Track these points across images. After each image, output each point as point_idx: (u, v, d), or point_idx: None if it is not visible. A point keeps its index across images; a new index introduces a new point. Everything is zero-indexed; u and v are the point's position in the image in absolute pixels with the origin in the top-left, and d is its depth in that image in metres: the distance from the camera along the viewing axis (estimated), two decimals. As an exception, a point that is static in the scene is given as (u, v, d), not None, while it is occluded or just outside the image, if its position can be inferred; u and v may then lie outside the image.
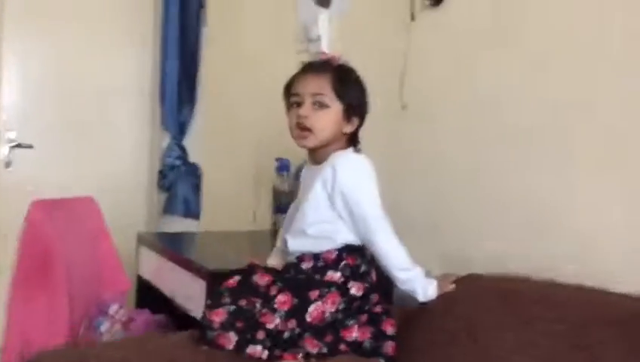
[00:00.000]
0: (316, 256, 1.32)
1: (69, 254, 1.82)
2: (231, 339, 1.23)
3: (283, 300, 1.28)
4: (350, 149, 1.36)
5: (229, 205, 2.86)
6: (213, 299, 1.31)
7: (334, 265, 1.30)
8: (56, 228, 1.81)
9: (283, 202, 2.16)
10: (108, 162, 3.41)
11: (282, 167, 2.17)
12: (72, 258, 1.84)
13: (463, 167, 1.63)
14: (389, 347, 1.30)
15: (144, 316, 1.86)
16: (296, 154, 2.19)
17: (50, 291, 1.75)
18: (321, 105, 1.32)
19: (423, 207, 1.72)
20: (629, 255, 1.20)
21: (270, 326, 1.25)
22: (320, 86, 1.33)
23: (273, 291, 1.30)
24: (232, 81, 2.95)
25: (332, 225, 1.32)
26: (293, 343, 1.25)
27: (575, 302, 1.10)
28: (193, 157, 3.36)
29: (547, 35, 1.42)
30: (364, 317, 1.31)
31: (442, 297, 1.30)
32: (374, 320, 1.31)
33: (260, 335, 1.24)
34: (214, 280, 1.53)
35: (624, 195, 1.24)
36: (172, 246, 1.92)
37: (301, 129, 1.33)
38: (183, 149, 3.39)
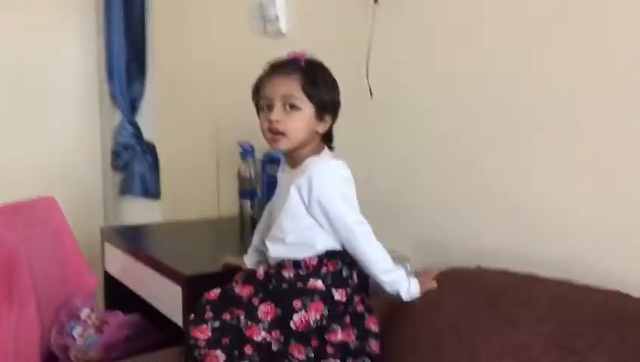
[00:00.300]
0: (297, 264, 1.30)
1: (33, 259, 1.76)
2: (219, 357, 1.22)
3: (266, 310, 1.27)
4: (325, 153, 1.34)
5: (190, 188, 2.81)
6: (196, 313, 1.29)
7: (316, 272, 1.29)
8: (17, 233, 1.75)
9: (248, 188, 2.14)
10: (56, 141, 3.30)
11: (246, 152, 2.13)
12: (36, 262, 1.79)
13: (434, 151, 1.62)
14: (373, 345, 1.30)
15: (117, 318, 1.83)
16: (259, 138, 2.16)
17: (16, 299, 1.70)
18: (292, 108, 1.29)
19: (394, 193, 1.72)
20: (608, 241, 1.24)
21: (257, 338, 1.24)
22: (289, 88, 1.29)
23: (255, 302, 1.28)
24: (185, 58, 2.85)
25: (311, 232, 1.29)
26: (282, 356, 1.24)
27: (560, 300, 1.11)
28: (147, 135, 3.28)
29: (512, 15, 1.40)
30: (347, 319, 1.30)
31: (426, 295, 1.30)
32: (357, 320, 1.31)
33: (248, 350, 1.23)
34: (191, 286, 1.51)
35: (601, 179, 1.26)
36: (139, 244, 1.87)
37: (273, 133, 1.29)
38: (136, 127, 3.31)
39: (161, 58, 3.05)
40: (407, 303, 1.31)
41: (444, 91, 1.58)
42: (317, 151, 1.33)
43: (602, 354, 0.99)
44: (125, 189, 3.34)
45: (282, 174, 1.41)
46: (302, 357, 1.25)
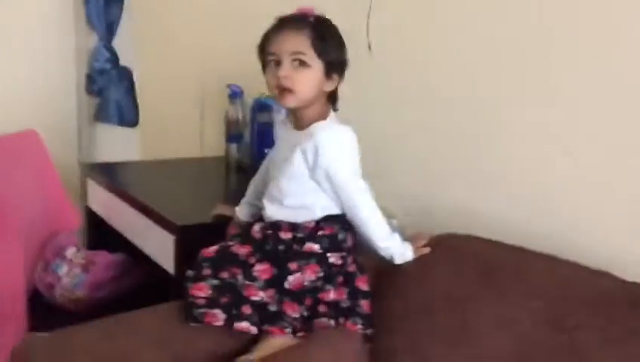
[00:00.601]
0: (294, 226, 1.32)
1: (15, 195, 1.74)
2: (218, 316, 1.24)
3: (262, 269, 1.30)
4: (331, 117, 1.33)
5: (171, 121, 2.76)
6: (194, 270, 1.31)
7: (313, 235, 1.31)
8: (-1, 170, 1.71)
9: (235, 131, 2.12)
10: (30, 67, 3.17)
11: (234, 94, 2.10)
12: (18, 198, 1.76)
13: (428, 112, 1.63)
14: (364, 305, 1.34)
15: (103, 257, 1.84)
16: (248, 81, 2.13)
17: (1, 236, 1.68)
18: (301, 64, 1.26)
19: (385, 151, 1.73)
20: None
21: (255, 298, 1.27)
22: (299, 44, 1.26)
23: (252, 261, 1.30)
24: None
25: (312, 197, 1.31)
26: (279, 316, 1.27)
27: (550, 276, 1.16)
28: (124, 61, 3.18)
29: None
30: (339, 278, 1.34)
31: (418, 260, 1.34)
32: (349, 280, 1.34)
33: (247, 309, 1.26)
34: (184, 235, 1.53)
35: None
36: (125, 184, 1.86)
37: (281, 90, 1.27)
38: (112, 52, 3.20)
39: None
40: (399, 265, 1.35)
41: (441, 50, 1.58)
42: (323, 113, 1.32)
43: (591, 334, 1.05)
44: (100, 116, 3.26)
45: (284, 132, 1.39)
46: (296, 314, 1.29)
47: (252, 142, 1.98)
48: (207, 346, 1.24)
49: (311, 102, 1.30)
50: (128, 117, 3.19)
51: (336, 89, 1.35)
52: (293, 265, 1.29)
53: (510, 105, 1.45)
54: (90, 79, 3.25)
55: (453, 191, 1.59)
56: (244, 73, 2.15)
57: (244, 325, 1.25)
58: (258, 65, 1.97)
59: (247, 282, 1.28)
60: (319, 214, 1.31)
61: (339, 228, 1.33)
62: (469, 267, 1.27)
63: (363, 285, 1.36)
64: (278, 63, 1.27)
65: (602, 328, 1.05)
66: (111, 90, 3.20)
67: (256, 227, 1.36)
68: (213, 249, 1.33)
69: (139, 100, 3.04)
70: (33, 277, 1.79)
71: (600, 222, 1.29)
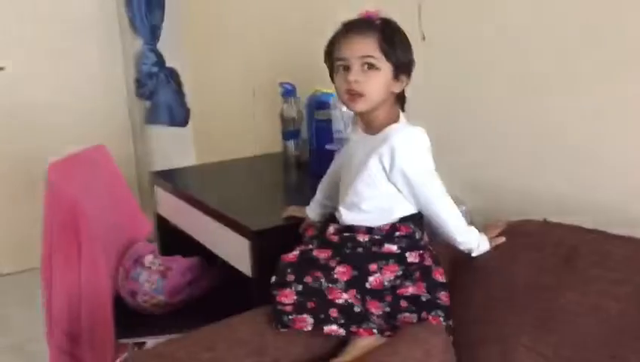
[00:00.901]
0: (370, 229, 1.34)
1: (95, 208, 1.81)
2: (307, 321, 1.28)
3: (342, 271, 1.33)
4: (402, 119, 1.34)
5: (222, 120, 2.81)
6: (278, 276, 1.35)
7: (390, 236, 1.33)
8: (76, 185, 1.78)
9: (291, 128, 2.16)
10: (78, 76, 3.27)
11: (287, 92, 2.13)
12: (98, 211, 1.83)
13: (490, 93, 1.63)
14: (443, 296, 1.36)
15: (179, 262, 1.90)
16: (300, 77, 2.15)
17: (85, 250, 1.75)
18: (371, 67, 1.28)
19: (450, 135, 1.73)
20: None
21: (340, 301, 1.30)
22: (368, 48, 1.27)
23: (332, 264, 1.34)
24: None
25: (389, 200, 1.33)
26: (365, 317, 1.30)
27: (633, 260, 1.17)
28: (170, 62, 3.24)
29: None
30: (417, 273, 1.37)
31: (497, 248, 1.36)
32: (426, 273, 1.36)
33: (333, 313, 1.29)
34: (259, 240, 1.57)
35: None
36: (194, 191, 1.91)
37: (352, 94, 1.29)
38: (158, 54, 3.26)
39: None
40: (476, 257, 1.37)
41: (502, 32, 1.58)
42: (393, 115, 1.34)
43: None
44: (152, 118, 3.34)
45: (356, 137, 1.40)
46: (379, 312, 1.32)
47: (310, 138, 2.01)
48: (300, 351, 1.28)
49: (380, 104, 1.32)
50: (179, 117, 3.27)
51: (403, 90, 1.37)
52: (372, 266, 1.32)
53: (578, 83, 1.44)
54: (139, 83, 3.32)
55: (519, 175, 1.60)
56: (295, 70, 2.19)
57: (332, 328, 1.28)
58: (309, 62, 2.01)
59: (330, 285, 1.31)
60: (397, 216, 1.34)
61: (415, 228, 1.36)
62: (549, 253, 1.28)
63: (440, 277, 1.38)
64: (347, 68, 1.29)
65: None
66: (160, 93, 3.27)
67: (331, 229, 1.40)
68: (293, 254, 1.37)
69: (189, 101, 3.09)
70: (115, 284, 1.87)
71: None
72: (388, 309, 1.33)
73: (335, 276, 1.32)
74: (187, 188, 1.93)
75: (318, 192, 1.59)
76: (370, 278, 1.32)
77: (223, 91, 2.78)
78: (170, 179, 2.09)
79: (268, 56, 2.46)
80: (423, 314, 1.33)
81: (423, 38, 1.70)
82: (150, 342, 1.90)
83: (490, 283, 1.34)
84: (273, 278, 1.35)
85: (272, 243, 1.56)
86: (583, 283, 1.20)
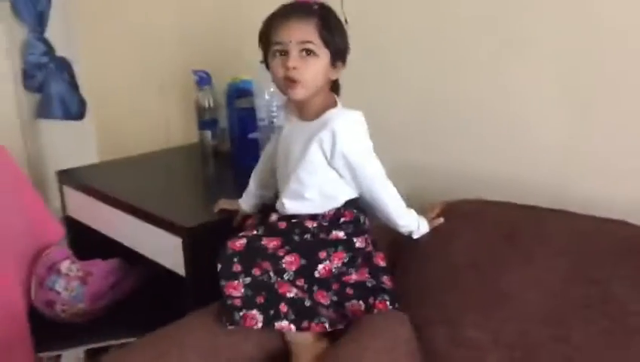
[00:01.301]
0: (314, 216, 1.32)
1: (-1, 216, 1.66)
2: (257, 318, 1.24)
3: (290, 260, 1.30)
4: (340, 105, 1.32)
5: (126, 112, 2.67)
6: (223, 265, 1.28)
7: (336, 222, 1.32)
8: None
9: (208, 117, 2.09)
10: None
11: (202, 80, 2.06)
12: (2, 218, 1.69)
13: (412, 76, 1.66)
14: (387, 281, 1.37)
15: (99, 266, 1.79)
16: (213, 64, 2.08)
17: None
18: (309, 53, 1.25)
19: (377, 117, 1.73)
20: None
21: (290, 294, 1.27)
22: (307, 34, 1.24)
23: (281, 253, 1.30)
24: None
25: (332, 185, 1.31)
26: (315, 311, 1.28)
27: (570, 233, 1.22)
28: (61, 51, 3.03)
29: None
30: (359, 259, 1.36)
31: (437, 229, 1.38)
32: (368, 259, 1.37)
33: (283, 308, 1.26)
34: (191, 237, 1.51)
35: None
36: (111, 189, 1.79)
37: (290, 81, 1.26)
38: (47, 44, 3.04)
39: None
40: (417, 239, 1.39)
41: (421, 15, 1.60)
42: (330, 101, 1.32)
43: (622, 283, 1.12)
44: (43, 112, 3.11)
45: (290, 125, 1.37)
46: (327, 302, 1.31)
47: (232, 127, 1.95)
48: (253, 349, 1.24)
49: (318, 91, 1.29)
50: (73, 110, 3.06)
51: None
52: (322, 254, 1.30)
53: (500, 65, 1.49)
54: (27, 74, 3.08)
55: (448, 156, 1.63)
56: (208, 58, 2.11)
57: (283, 324, 1.25)
58: (223, 49, 1.95)
59: (278, 278, 1.28)
60: (342, 201, 1.32)
61: (358, 212, 1.35)
62: (489, 232, 1.32)
63: (381, 262, 1.39)
64: (284, 53, 1.25)
65: (632, 276, 1.11)
66: (51, 84, 3.05)
67: (274, 217, 1.36)
68: (241, 243, 1.29)
69: (85, 93, 2.91)
70: (28, 296, 1.73)
71: (600, 171, 1.37)
72: (335, 298, 1.32)
73: (283, 266, 1.29)
74: (104, 187, 1.82)
75: (251, 183, 1.54)
76: (320, 266, 1.30)
77: (126, 81, 2.64)
78: (81, 177, 1.96)
79: (176, 43, 2.36)
80: (370, 300, 1.33)
81: (346, 22, 1.68)
82: (68, 354, 1.79)
83: (432, 264, 1.35)
84: (219, 267, 1.29)
85: (205, 240, 1.50)
86: (524, 259, 1.24)
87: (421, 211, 1.42)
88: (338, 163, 1.28)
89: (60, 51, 3.00)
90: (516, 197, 1.38)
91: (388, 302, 1.33)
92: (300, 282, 1.30)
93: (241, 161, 1.89)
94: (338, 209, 1.33)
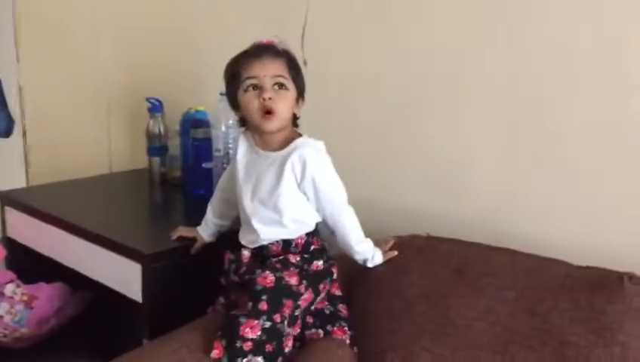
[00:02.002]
0: (287, 243, 1.38)
1: None
2: None
3: (307, 297, 1.35)
4: (305, 135, 1.41)
5: (65, 135, 2.64)
6: (253, 301, 1.28)
7: (312, 251, 1.40)
8: None
9: (157, 144, 2.12)
10: None
11: (154, 107, 2.09)
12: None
13: (361, 117, 1.77)
14: (342, 309, 1.45)
15: (44, 290, 1.77)
16: (167, 94, 2.12)
17: None
18: (281, 87, 1.34)
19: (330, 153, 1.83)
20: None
21: (297, 330, 1.34)
22: (279, 69, 1.35)
23: (302, 289, 1.34)
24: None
25: (303, 209, 1.38)
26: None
27: (515, 268, 1.34)
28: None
29: None
30: (320, 287, 1.43)
31: (390, 262, 1.47)
32: (315, 281, 1.40)
33: (288, 345, 1.30)
34: (150, 264, 1.53)
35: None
36: (63, 213, 1.78)
37: (266, 112, 1.33)
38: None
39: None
40: (371, 270, 1.48)
41: (375, 62, 1.72)
42: (294, 133, 1.41)
43: (560, 316, 1.24)
44: (-32, 128, 3.00)
45: (255, 156, 1.42)
46: (295, 332, 1.36)
47: (185, 156, 1.98)
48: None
49: (286, 125, 1.38)
50: (1, 126, 2.98)
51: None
52: (321, 286, 1.39)
53: (447, 112, 1.64)
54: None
55: (397, 194, 1.74)
56: (156, 86, 2.15)
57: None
58: (178, 80, 2.01)
59: (288, 330, 1.31)
60: (312, 225, 1.40)
61: (320, 239, 1.43)
62: (440, 265, 1.43)
63: (337, 291, 1.47)
64: (258, 87, 1.33)
65: (570, 309, 1.24)
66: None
67: (246, 253, 1.41)
68: (271, 280, 1.31)
69: (26, 113, 2.84)
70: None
71: (535, 213, 1.52)
72: (299, 329, 1.38)
73: (300, 303, 1.33)
74: (53, 209, 1.79)
75: (208, 212, 1.58)
76: (318, 298, 1.38)
77: (67, 103, 2.61)
78: (26, 199, 1.92)
79: (124, 70, 2.37)
80: (328, 327, 1.40)
81: (305, 63, 1.78)
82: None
83: (387, 294, 1.44)
84: (249, 303, 1.28)
85: (164, 267, 1.54)
86: (474, 291, 1.35)
87: (375, 244, 1.51)
88: (307, 186, 1.36)
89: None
90: (459, 235, 1.50)
91: (346, 328, 1.41)
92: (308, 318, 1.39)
93: (193, 190, 1.93)
94: (308, 235, 1.40)
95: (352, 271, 1.50)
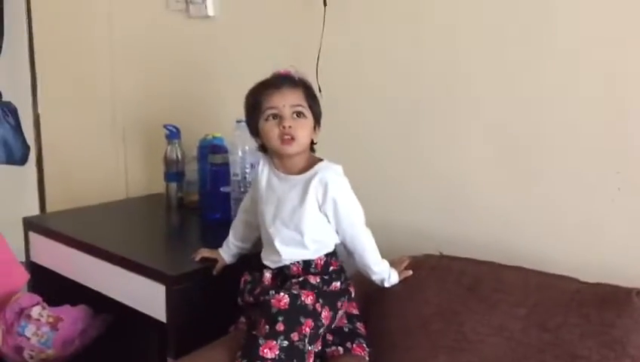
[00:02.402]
0: (307, 264, 1.44)
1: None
2: None
3: (326, 315, 1.41)
4: (325, 159, 1.48)
5: (81, 162, 2.71)
6: (269, 324, 1.33)
7: (335, 272, 1.46)
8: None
9: (174, 170, 2.18)
10: None
11: (172, 134, 2.16)
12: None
13: (375, 142, 1.84)
14: (360, 327, 1.51)
15: (69, 312, 1.82)
16: (183, 120, 2.19)
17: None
18: (299, 115, 1.42)
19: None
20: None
21: (319, 347, 1.39)
22: (297, 98, 1.43)
23: (318, 308, 1.39)
24: (74, 32, 2.68)
25: (324, 230, 1.45)
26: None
27: (526, 285, 1.40)
28: (8, 96, 3.04)
29: (453, 13, 1.67)
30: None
31: (405, 282, 1.53)
32: (332, 300, 1.45)
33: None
34: (175, 285, 1.59)
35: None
36: (87, 238, 1.84)
37: (286, 139, 1.40)
38: (-8, 88, 3.03)
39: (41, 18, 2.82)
40: (387, 289, 1.53)
41: (384, 92, 1.80)
42: (313, 157, 1.48)
43: (571, 330, 1.30)
44: (-15, 156, 3.08)
45: (276, 181, 1.48)
46: (319, 348, 1.42)
47: (203, 181, 2.04)
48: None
49: (305, 149, 1.45)
50: (17, 155, 3.05)
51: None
52: (339, 304, 1.44)
53: (446, 136, 1.72)
54: (-30, 118, 3.05)
55: (408, 215, 1.81)
56: (172, 113, 2.22)
57: None
58: (193, 109, 2.08)
59: (310, 347, 1.36)
60: (331, 247, 1.47)
61: (338, 260, 1.49)
62: (453, 283, 1.49)
63: (354, 309, 1.53)
64: (277, 116, 1.41)
65: (580, 324, 1.30)
66: (-6, 128, 3.04)
67: (268, 274, 1.46)
68: (285, 301, 1.35)
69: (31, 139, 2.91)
70: (-2, 342, 1.73)
71: (541, 232, 1.58)
72: (320, 347, 1.43)
73: (321, 321, 1.39)
74: (75, 234, 1.86)
75: (230, 234, 1.64)
76: (338, 316, 1.44)
77: (83, 130, 2.68)
78: (48, 224, 1.98)
79: (139, 98, 2.45)
80: (348, 344, 1.46)
81: (320, 91, 1.85)
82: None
83: (403, 312, 1.50)
84: (266, 326, 1.33)
85: (187, 288, 1.59)
86: (487, 307, 1.41)
87: (391, 265, 1.57)
88: (328, 208, 1.42)
89: (7, 96, 3.01)
90: (470, 253, 1.57)
91: (364, 345, 1.46)
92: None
93: (210, 213, 1.99)
94: (327, 256, 1.46)
95: (369, 290, 1.56)
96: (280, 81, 1.44)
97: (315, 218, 1.43)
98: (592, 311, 1.32)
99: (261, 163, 1.54)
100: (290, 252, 1.44)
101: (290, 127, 1.40)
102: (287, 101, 1.41)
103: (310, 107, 1.44)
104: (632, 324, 1.27)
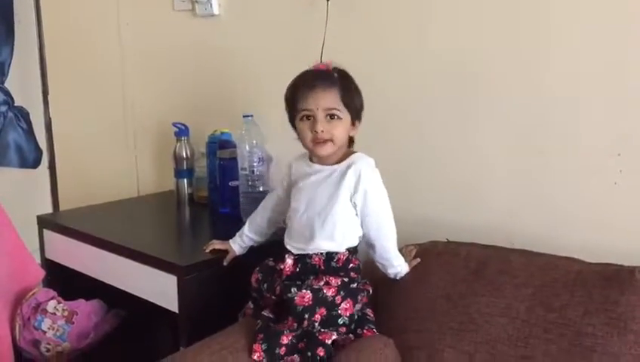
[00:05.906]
0: (329, 256, 1.45)
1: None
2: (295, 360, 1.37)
3: (346, 307, 1.43)
4: (359, 152, 1.50)
5: (93, 162, 2.75)
6: (296, 318, 1.39)
7: (354, 266, 1.48)
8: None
9: (184, 167, 2.22)
10: None
11: (181, 131, 2.20)
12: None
13: (385, 131, 1.85)
14: (370, 312, 1.53)
15: (84, 306, 1.86)
16: (192, 118, 2.23)
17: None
18: (333, 118, 1.43)
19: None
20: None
21: (329, 341, 1.40)
22: (331, 101, 1.42)
23: (338, 300, 1.42)
24: (84, 35, 2.73)
25: (351, 222, 1.47)
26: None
27: (530, 267, 1.43)
28: (20, 101, 3.09)
29: (459, 8, 1.68)
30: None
31: (414, 269, 1.56)
32: (354, 293, 1.49)
33: (320, 351, 1.38)
34: (186, 275, 1.62)
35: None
36: (100, 233, 1.88)
37: (319, 142, 1.43)
38: (6, 93, 3.09)
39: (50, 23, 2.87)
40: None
41: (393, 83, 1.82)
42: (349, 151, 1.50)
43: (576, 309, 1.33)
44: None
45: (309, 171, 1.50)
46: (334, 337, 1.43)
47: (212, 176, 2.08)
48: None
49: (341, 147, 1.47)
50: (29, 159, 3.10)
51: None
52: (359, 297, 1.47)
53: (456, 128, 1.73)
54: (-16, 123, 3.10)
55: (417, 203, 1.83)
56: (180, 111, 2.26)
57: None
58: (200, 106, 2.11)
59: (322, 329, 1.40)
60: (356, 241, 1.49)
61: (359, 258, 1.51)
62: (459, 267, 1.51)
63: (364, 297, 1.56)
64: (310, 118, 1.43)
65: (584, 302, 1.32)
66: (9, 133, 3.09)
67: (290, 261, 1.47)
68: (308, 297, 1.40)
69: (55, 143, 2.96)
70: (12, 337, 1.77)
71: (546, 216, 1.60)
72: (335, 336, 1.44)
73: (339, 311, 1.42)
74: (89, 230, 1.90)
75: (246, 226, 1.67)
76: (357, 306, 1.46)
77: (94, 131, 2.73)
78: (62, 221, 2.03)
79: (149, 97, 2.49)
80: (358, 331, 1.47)
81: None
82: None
83: (411, 297, 1.53)
84: (294, 324, 1.40)
85: (197, 278, 1.63)
86: (493, 289, 1.43)
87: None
88: (359, 199, 1.44)
89: (19, 101, 3.06)
90: (476, 240, 1.59)
91: (374, 329, 1.49)
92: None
93: (220, 207, 2.03)
94: (349, 251, 1.47)
95: (376, 276, 1.58)
96: (313, 79, 1.44)
97: (345, 208, 1.45)
98: (596, 289, 1.34)
99: (302, 157, 1.56)
100: (317, 242, 1.45)
101: (322, 131, 1.41)
102: (320, 104, 1.41)
103: (347, 105, 1.44)
104: (635, 301, 1.29)
